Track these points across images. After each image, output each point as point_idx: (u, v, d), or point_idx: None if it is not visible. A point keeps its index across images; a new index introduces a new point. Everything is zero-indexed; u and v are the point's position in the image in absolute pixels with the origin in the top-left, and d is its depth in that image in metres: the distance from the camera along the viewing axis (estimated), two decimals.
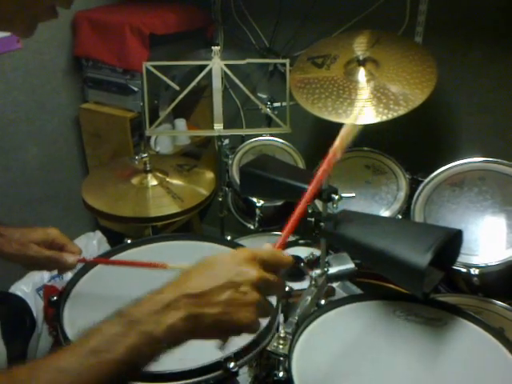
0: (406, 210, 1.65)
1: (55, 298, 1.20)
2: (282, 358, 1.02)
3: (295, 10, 2.17)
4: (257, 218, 1.82)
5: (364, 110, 1.63)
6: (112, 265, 1.32)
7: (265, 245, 0.78)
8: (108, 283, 1.29)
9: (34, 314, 1.84)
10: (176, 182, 1.81)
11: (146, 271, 1.27)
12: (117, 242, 1.47)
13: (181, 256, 1.41)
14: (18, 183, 2.16)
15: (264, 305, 0.74)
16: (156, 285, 1.27)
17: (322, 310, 1.17)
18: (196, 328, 0.71)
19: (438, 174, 1.57)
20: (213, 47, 1.79)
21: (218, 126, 1.85)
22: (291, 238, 1.83)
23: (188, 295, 0.71)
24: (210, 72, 1.79)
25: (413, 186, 1.69)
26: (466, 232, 1.14)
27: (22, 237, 1.13)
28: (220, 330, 0.73)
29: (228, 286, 0.71)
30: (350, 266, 1.33)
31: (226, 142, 1.92)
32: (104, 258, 1.36)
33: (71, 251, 1.18)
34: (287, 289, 1.25)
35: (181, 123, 2.42)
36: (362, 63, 1.74)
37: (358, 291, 1.47)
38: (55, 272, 1.22)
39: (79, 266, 1.26)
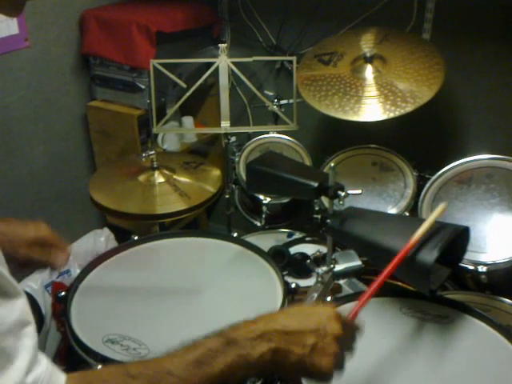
0: (413, 208, 1.64)
1: (63, 293, 1.21)
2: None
3: (302, 8, 2.17)
4: (263, 215, 1.82)
5: (371, 107, 1.63)
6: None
7: (340, 310, 0.85)
8: (115, 279, 1.30)
9: (43, 311, 1.85)
10: (183, 179, 1.81)
11: (151, 270, 1.28)
12: (124, 238, 1.47)
13: (188, 252, 1.42)
14: (25, 181, 2.17)
15: (340, 358, 0.81)
16: (163, 283, 1.28)
17: None
18: (281, 362, 0.78)
19: (446, 171, 1.56)
20: (220, 45, 1.80)
21: (225, 124, 1.85)
22: (298, 236, 1.84)
23: (278, 331, 0.78)
24: (216, 69, 1.80)
25: (420, 184, 1.68)
26: (473, 229, 1.13)
27: (12, 234, 1.11)
28: (300, 370, 0.80)
29: (316, 333, 0.79)
30: (357, 263, 1.32)
31: (233, 139, 1.92)
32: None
33: (61, 249, 1.16)
34: (293, 286, 1.25)
35: (188, 121, 2.42)
36: (369, 60, 1.74)
37: (365, 288, 1.46)
38: (63, 268, 1.22)
39: (80, 261, 1.26)
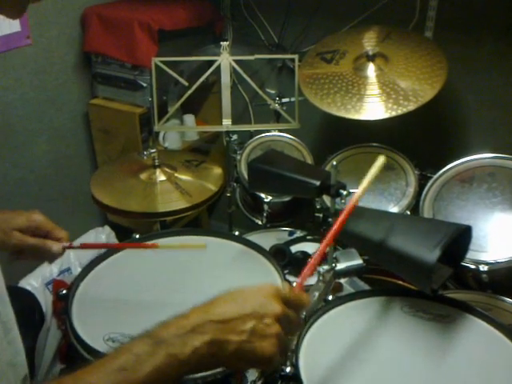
0: (415, 206, 1.64)
1: (64, 291, 1.21)
2: (289, 354, 1.02)
3: (304, 6, 2.16)
4: (265, 214, 1.81)
5: (373, 106, 1.63)
6: (99, 248, 1.31)
7: (284, 284, 0.83)
8: (116, 277, 1.29)
9: (43, 309, 1.85)
10: (184, 177, 1.81)
11: (153, 267, 1.27)
12: (125, 237, 1.47)
13: (189, 251, 1.42)
14: (27, 179, 2.17)
15: (284, 339, 0.76)
16: (165, 281, 1.27)
17: (329, 306, 1.17)
18: (219, 354, 0.73)
19: (447, 170, 1.56)
20: (221, 43, 1.79)
21: (227, 122, 1.85)
22: (299, 234, 1.83)
23: (213, 321, 0.73)
24: (218, 68, 1.79)
25: (422, 182, 1.68)
26: (475, 228, 1.13)
27: (3, 224, 1.08)
28: (242, 358, 0.75)
29: (252, 316, 0.74)
30: (358, 261, 1.32)
31: (235, 137, 1.92)
32: (91, 243, 1.35)
33: (57, 237, 1.13)
34: (294, 284, 1.25)
35: (189, 119, 2.42)
36: (371, 58, 1.73)
37: (366, 287, 1.46)
38: (64, 266, 1.21)
39: (85, 260, 1.25)
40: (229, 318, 0.74)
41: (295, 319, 0.78)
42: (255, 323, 0.74)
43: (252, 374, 1.05)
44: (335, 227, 0.91)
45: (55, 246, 1.12)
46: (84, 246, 1.26)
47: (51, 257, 1.14)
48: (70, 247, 1.16)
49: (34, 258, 1.17)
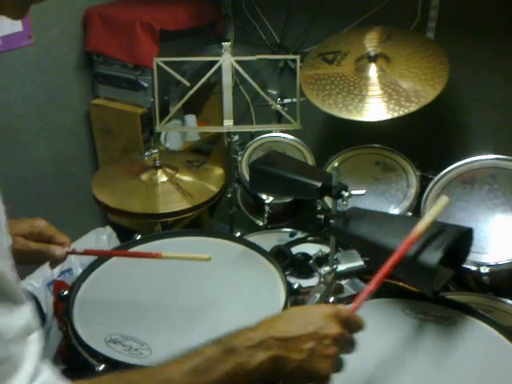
0: (416, 208, 1.64)
1: (65, 292, 1.21)
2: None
3: (306, 6, 2.16)
4: (266, 215, 1.81)
5: (375, 106, 1.62)
6: (101, 255, 1.31)
7: (341, 306, 0.85)
8: (117, 279, 1.30)
9: (44, 309, 1.86)
10: (185, 178, 1.81)
11: (154, 268, 1.27)
12: (126, 237, 1.47)
13: (190, 251, 1.42)
14: (28, 178, 2.17)
15: (340, 359, 0.80)
16: (165, 283, 1.27)
17: None
18: (280, 369, 0.77)
19: (449, 171, 1.56)
20: (223, 43, 1.79)
21: (228, 123, 1.85)
22: (300, 235, 1.83)
23: (276, 338, 0.77)
24: (220, 68, 1.79)
25: (423, 184, 1.67)
26: (476, 230, 1.13)
27: (10, 232, 1.09)
28: (300, 375, 0.79)
29: (313, 337, 0.78)
30: (359, 263, 1.32)
31: (236, 138, 1.91)
32: (94, 250, 1.35)
33: (59, 242, 1.14)
34: (296, 286, 1.25)
35: (191, 119, 2.42)
36: (372, 59, 1.73)
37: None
38: (65, 267, 1.21)
39: (86, 261, 1.25)
40: (290, 337, 0.78)
41: (351, 340, 0.82)
42: (315, 343, 0.78)
43: None
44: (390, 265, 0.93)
45: (58, 251, 1.13)
46: (87, 252, 1.26)
47: (54, 261, 1.15)
48: (73, 252, 1.17)
49: (36, 262, 1.18)
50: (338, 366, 0.80)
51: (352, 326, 0.82)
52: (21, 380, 0.62)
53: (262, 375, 0.77)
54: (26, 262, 1.15)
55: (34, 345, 0.65)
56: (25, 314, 0.66)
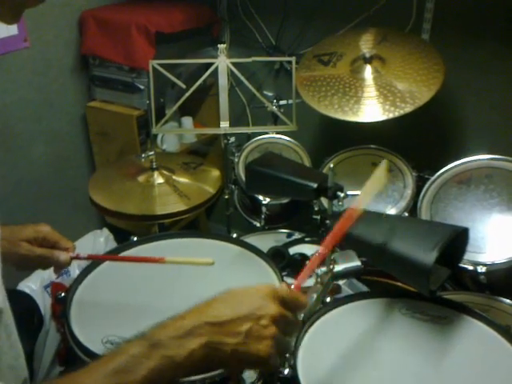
0: (413, 208, 1.64)
1: (62, 294, 1.21)
2: (287, 355, 1.02)
3: (301, 8, 2.17)
4: (263, 216, 1.82)
5: (370, 108, 1.63)
6: (107, 260, 1.31)
7: (282, 284, 0.81)
8: (115, 280, 1.29)
9: (42, 311, 1.85)
10: (182, 179, 1.81)
11: (151, 270, 1.27)
12: (123, 239, 1.47)
13: (187, 253, 1.42)
14: (25, 181, 2.17)
15: (281, 340, 0.76)
16: (163, 284, 1.27)
17: (327, 308, 1.17)
18: (215, 356, 0.73)
19: (445, 171, 1.57)
20: (219, 45, 1.79)
21: (224, 124, 1.85)
22: (297, 236, 1.84)
23: (210, 323, 0.73)
24: (216, 70, 1.80)
25: (419, 184, 1.68)
26: (472, 230, 1.14)
27: (11, 235, 1.09)
28: (238, 360, 0.74)
29: (248, 318, 0.74)
30: (356, 263, 1.33)
31: (232, 139, 1.92)
32: (98, 255, 1.35)
33: (63, 248, 1.14)
34: (293, 286, 1.25)
35: (187, 121, 2.42)
36: (368, 61, 1.74)
37: (364, 289, 1.46)
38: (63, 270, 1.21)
39: (84, 263, 1.25)
40: (225, 320, 0.74)
41: (293, 320, 0.78)
42: (251, 325, 0.73)
43: (250, 377, 1.06)
44: (336, 231, 0.91)
45: (62, 256, 1.13)
46: (91, 257, 1.27)
47: (58, 267, 1.16)
48: (77, 258, 1.18)
49: (41, 267, 1.18)
50: (280, 348, 0.76)
51: (293, 305, 0.78)
52: None
53: (195, 365, 0.72)
54: (30, 267, 1.16)
55: None
56: None
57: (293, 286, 0.83)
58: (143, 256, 1.18)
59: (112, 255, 1.34)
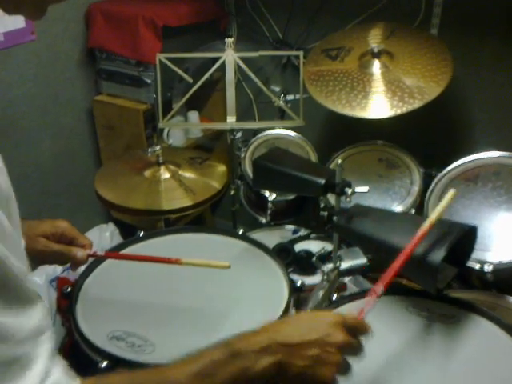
0: (420, 205, 1.63)
1: (68, 289, 1.21)
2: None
3: (309, 2, 2.16)
4: (269, 212, 1.81)
5: (378, 103, 1.62)
6: (125, 260, 1.31)
7: (349, 311, 0.85)
8: (120, 275, 1.30)
9: (47, 306, 1.86)
10: (188, 174, 1.81)
11: (157, 266, 1.27)
12: (129, 234, 1.47)
13: (193, 248, 1.42)
14: (31, 175, 2.17)
15: (344, 366, 0.80)
16: (169, 280, 1.27)
17: (333, 305, 1.17)
18: (283, 374, 0.78)
19: (452, 168, 1.55)
20: (226, 39, 1.79)
21: (231, 119, 1.84)
22: (303, 232, 1.83)
23: (283, 343, 0.78)
24: (223, 64, 1.79)
25: (426, 181, 1.67)
26: (480, 228, 1.12)
27: (29, 230, 1.08)
28: (302, 381, 0.79)
29: (318, 344, 0.78)
30: (362, 260, 1.32)
31: (239, 134, 1.91)
32: (116, 253, 1.35)
33: (81, 244, 1.15)
34: (299, 283, 1.25)
35: (194, 116, 2.42)
36: (376, 56, 1.72)
37: (370, 286, 1.46)
38: (68, 264, 1.21)
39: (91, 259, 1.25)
40: (296, 343, 0.78)
41: (357, 347, 0.82)
42: (319, 351, 0.78)
43: None
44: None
45: (80, 253, 1.13)
46: (108, 255, 1.27)
47: (75, 263, 1.15)
48: (95, 255, 1.18)
49: (57, 263, 1.19)
50: (343, 372, 0.80)
51: (358, 332, 0.82)
52: (34, 378, 0.63)
53: (264, 379, 0.77)
54: (47, 262, 1.17)
55: (45, 344, 0.66)
56: (37, 314, 0.66)
57: (358, 312, 0.86)
58: (159, 256, 1.17)
59: (129, 255, 1.33)
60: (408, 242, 1.01)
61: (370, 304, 0.86)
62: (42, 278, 1.95)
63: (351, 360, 0.81)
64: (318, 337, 0.79)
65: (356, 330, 0.82)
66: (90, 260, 1.21)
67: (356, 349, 0.82)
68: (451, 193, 1.06)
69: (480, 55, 1.90)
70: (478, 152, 1.55)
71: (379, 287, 0.89)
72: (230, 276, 1.30)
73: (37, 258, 1.13)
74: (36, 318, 0.66)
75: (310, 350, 0.78)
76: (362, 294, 1.23)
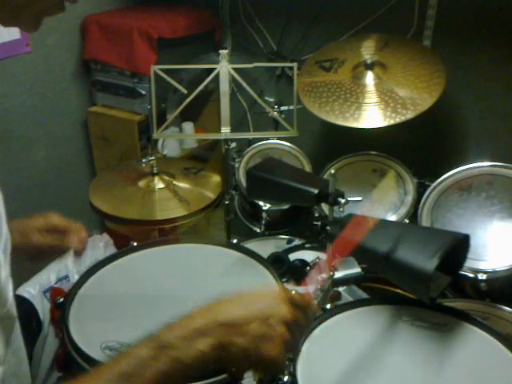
0: (413, 215, 1.64)
1: (61, 299, 1.20)
2: (287, 362, 1.01)
3: (303, 14, 2.17)
4: (263, 222, 1.81)
5: (371, 114, 1.63)
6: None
7: (293, 289, 0.81)
8: (114, 286, 1.29)
9: (41, 316, 1.84)
10: (183, 185, 1.81)
11: (151, 276, 1.27)
12: (123, 244, 1.47)
13: (187, 259, 1.42)
14: (25, 185, 2.17)
15: (290, 342, 0.75)
16: (163, 290, 1.27)
17: (327, 315, 1.17)
18: (223, 356, 0.72)
19: (446, 178, 1.56)
20: (220, 51, 1.80)
21: (225, 130, 1.85)
22: (297, 242, 1.83)
23: (219, 323, 0.72)
24: (217, 75, 1.80)
25: (420, 191, 1.68)
26: (473, 237, 1.13)
27: (22, 226, 1.10)
28: (247, 361, 0.74)
29: (259, 318, 0.73)
30: (357, 270, 1.32)
31: (233, 145, 1.91)
32: None
33: (74, 232, 1.16)
34: (293, 292, 1.25)
35: (188, 126, 2.42)
36: (369, 67, 1.74)
37: (365, 296, 1.46)
38: (62, 274, 1.21)
39: (82, 268, 1.25)
40: (235, 320, 0.73)
41: (302, 324, 0.77)
42: (262, 327, 0.73)
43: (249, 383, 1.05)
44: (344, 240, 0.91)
45: (75, 240, 1.17)
46: None
47: (77, 249, 1.18)
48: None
49: (55, 256, 1.20)
50: (291, 348, 0.76)
51: (303, 307, 0.78)
52: None
53: (203, 366, 0.72)
54: (44, 257, 1.18)
55: None
56: None
57: (303, 290, 0.83)
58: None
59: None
60: (401, 250, 1.02)
61: (315, 282, 0.84)
62: (35, 289, 1.93)
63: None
64: (259, 311, 0.74)
65: (302, 306, 0.78)
66: (82, 269, 1.21)
67: (302, 325, 0.78)
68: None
69: (473, 66, 1.91)
70: (471, 162, 1.56)
71: (325, 264, 0.86)
72: (225, 286, 1.29)
73: (33, 254, 1.13)
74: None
75: (252, 327, 0.72)
76: (356, 303, 1.23)
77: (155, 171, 1.80)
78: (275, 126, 1.98)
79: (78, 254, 1.18)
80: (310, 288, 0.83)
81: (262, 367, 0.76)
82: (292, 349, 0.77)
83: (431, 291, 1.06)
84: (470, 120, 2.01)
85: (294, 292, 0.79)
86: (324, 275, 1.25)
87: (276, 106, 1.96)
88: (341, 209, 1.21)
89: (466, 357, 1.06)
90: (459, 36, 1.91)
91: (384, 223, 1.36)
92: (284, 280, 1.45)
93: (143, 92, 2.14)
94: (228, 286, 1.29)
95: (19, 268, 1.16)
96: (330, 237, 1.23)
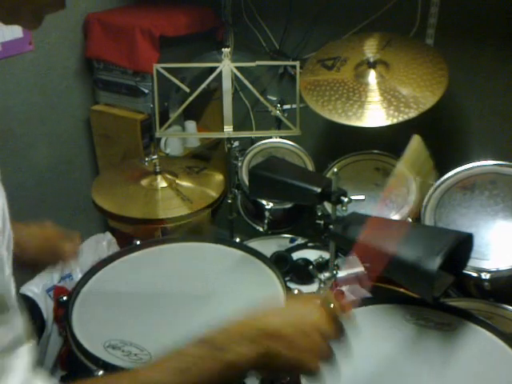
0: (417, 214, 1.64)
1: (64, 298, 1.21)
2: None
3: (305, 12, 2.17)
4: (266, 221, 1.81)
5: (374, 112, 1.63)
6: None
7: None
8: (117, 284, 1.29)
9: (44, 315, 1.85)
10: (185, 183, 1.81)
11: (154, 275, 1.28)
12: (126, 243, 1.47)
13: (190, 257, 1.42)
14: (28, 184, 2.17)
15: (331, 357, 0.79)
16: (165, 289, 1.27)
17: None
18: (269, 365, 0.76)
19: (449, 177, 1.56)
20: (223, 49, 1.79)
21: (228, 129, 1.85)
22: (300, 241, 1.83)
23: (268, 334, 0.76)
24: (220, 74, 1.79)
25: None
26: (476, 236, 1.13)
27: (19, 240, 1.09)
28: (287, 370, 0.79)
29: (304, 333, 0.77)
30: (360, 269, 1.32)
31: (236, 144, 1.92)
32: None
33: (68, 240, 1.15)
34: (296, 291, 1.25)
35: (191, 125, 2.42)
36: (372, 65, 1.73)
37: (368, 295, 1.46)
38: (65, 272, 1.21)
39: (85, 267, 1.25)
40: (282, 333, 0.76)
41: (342, 339, 0.81)
42: (306, 340, 0.76)
43: (253, 382, 1.05)
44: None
45: (70, 250, 1.13)
46: None
47: (68, 258, 1.15)
48: None
49: (51, 264, 1.18)
50: (330, 363, 0.79)
51: (343, 325, 0.82)
52: None
53: (249, 371, 0.76)
54: (40, 267, 1.17)
55: (23, 357, 0.64)
56: (14, 327, 0.65)
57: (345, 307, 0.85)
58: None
59: None
60: (405, 249, 1.02)
61: (357, 302, 0.88)
62: (39, 287, 1.95)
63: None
64: (306, 325, 0.78)
65: (341, 323, 0.82)
66: (85, 268, 1.21)
67: (342, 340, 0.81)
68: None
69: (475, 64, 1.91)
70: (474, 161, 1.56)
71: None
72: (228, 285, 1.30)
73: (28, 265, 1.12)
74: (14, 331, 0.64)
75: (298, 340, 0.76)
76: (360, 302, 1.23)
77: (158, 170, 1.80)
78: (278, 124, 1.98)
79: (69, 261, 1.17)
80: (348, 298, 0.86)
81: (302, 375, 0.82)
82: (330, 361, 0.80)
83: (435, 290, 1.06)
84: (472, 119, 2.01)
85: (329, 298, 0.82)
86: (326, 274, 1.25)
87: (278, 105, 1.96)
88: (344, 207, 1.21)
89: (470, 356, 1.06)
90: (461, 35, 1.90)
91: (386, 222, 1.36)
92: (287, 279, 1.45)
93: (146, 90, 2.14)
94: (231, 286, 1.30)
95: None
96: (332, 236, 1.23)
